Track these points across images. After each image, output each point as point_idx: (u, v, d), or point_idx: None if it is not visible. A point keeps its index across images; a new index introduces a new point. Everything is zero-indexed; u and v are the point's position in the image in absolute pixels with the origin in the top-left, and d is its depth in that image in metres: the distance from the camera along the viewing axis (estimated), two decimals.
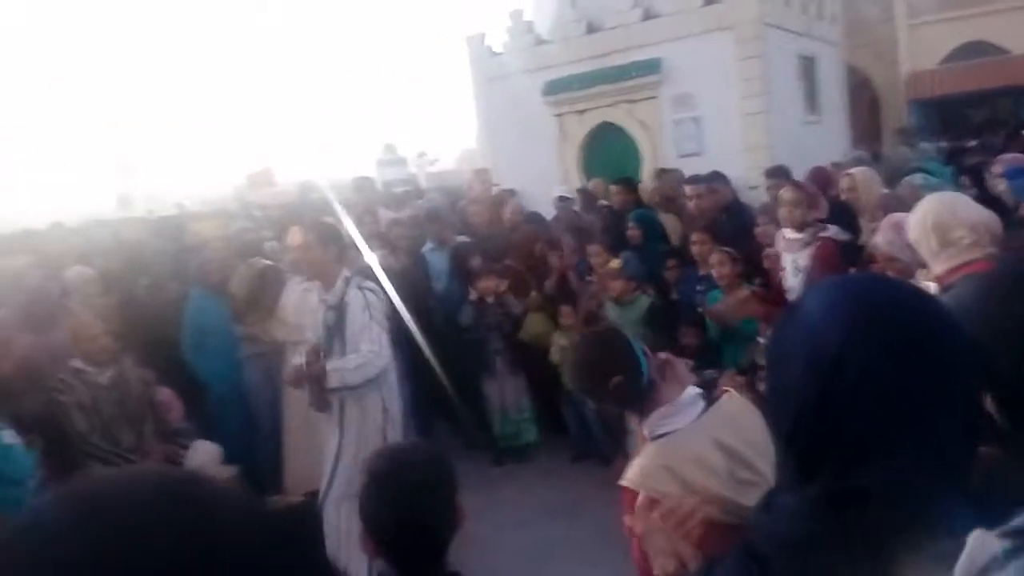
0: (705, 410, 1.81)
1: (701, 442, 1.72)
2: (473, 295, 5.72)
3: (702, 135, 10.95)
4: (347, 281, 3.98)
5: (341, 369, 3.84)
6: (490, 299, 5.62)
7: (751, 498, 1.41)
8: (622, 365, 1.86)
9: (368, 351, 3.84)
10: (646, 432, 1.85)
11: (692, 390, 1.84)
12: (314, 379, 3.87)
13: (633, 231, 5.55)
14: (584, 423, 5.67)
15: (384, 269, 5.55)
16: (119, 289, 5.54)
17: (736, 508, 1.58)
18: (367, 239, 5.97)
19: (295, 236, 4.25)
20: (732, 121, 10.76)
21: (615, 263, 4.99)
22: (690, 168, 8.23)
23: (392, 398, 4.11)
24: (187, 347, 5.14)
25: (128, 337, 4.63)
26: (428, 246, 6.44)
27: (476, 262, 6.02)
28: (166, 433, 4.42)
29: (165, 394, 4.48)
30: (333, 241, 4.05)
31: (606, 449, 5.53)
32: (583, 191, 8.30)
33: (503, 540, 4.51)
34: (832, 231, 4.59)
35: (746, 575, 1.09)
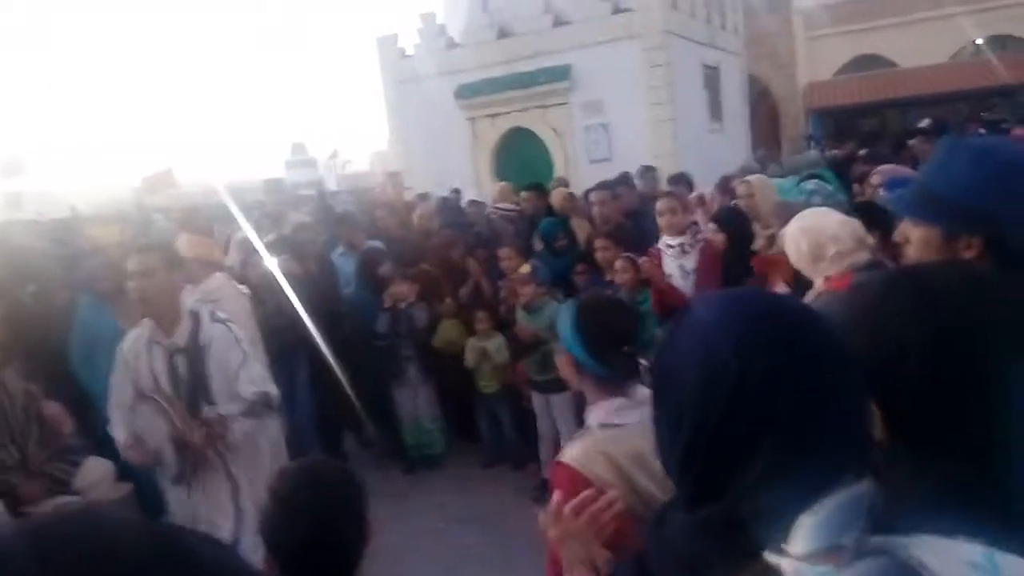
0: None
1: (645, 442, 1.70)
2: (387, 302, 5.64)
3: (611, 141, 11.18)
4: (195, 316, 3.30)
5: (240, 421, 3.20)
6: (402, 305, 5.56)
7: None
8: (636, 337, 1.80)
9: (256, 392, 3.27)
10: (592, 419, 1.81)
11: (645, 391, 1.80)
12: (212, 443, 3.18)
13: (562, 241, 5.65)
14: (498, 428, 5.68)
15: (287, 275, 5.41)
16: (3, 296, 5.20)
17: None
18: (272, 244, 5.82)
19: (136, 262, 3.27)
20: (640, 128, 11.03)
21: (524, 268, 5.02)
22: (602, 174, 8.39)
23: (270, 429, 3.63)
24: (76, 358, 4.86)
25: (12, 348, 4.36)
26: (337, 250, 6.33)
27: (386, 268, 5.94)
28: (55, 450, 4.17)
29: (53, 408, 4.23)
30: (178, 268, 3.36)
31: (518, 454, 5.55)
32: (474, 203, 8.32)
33: (415, 549, 4.46)
34: (709, 229, 4.81)
35: None
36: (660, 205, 4.77)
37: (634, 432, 1.71)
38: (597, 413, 1.79)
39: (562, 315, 1.88)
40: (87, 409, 4.62)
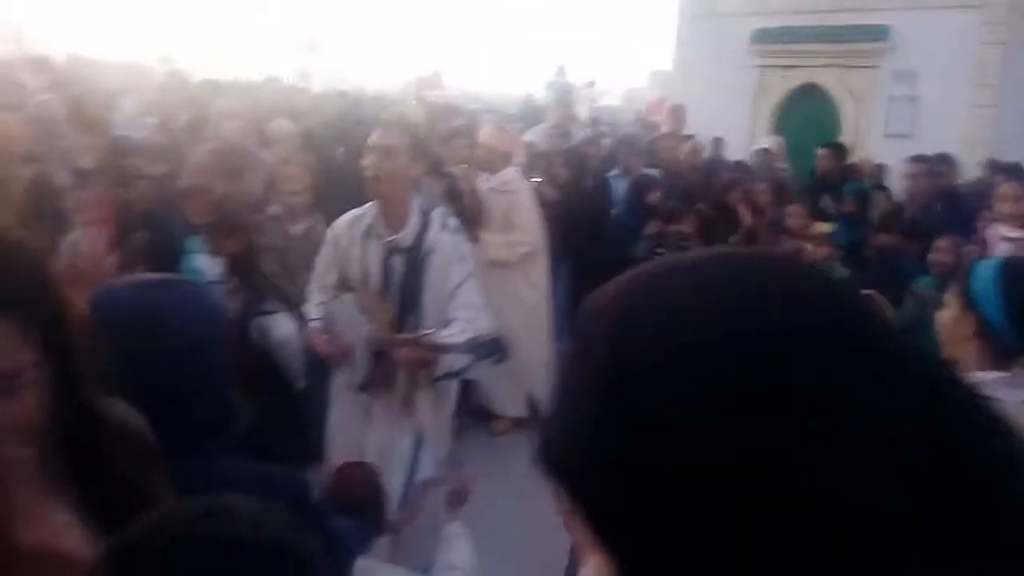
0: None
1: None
2: (652, 229, 5.55)
3: (918, 117, 10.08)
4: (425, 216, 2.92)
5: (454, 348, 2.72)
6: (671, 238, 5.45)
7: None
8: None
9: (470, 319, 2.83)
10: None
11: None
12: (417, 365, 2.81)
13: (849, 203, 5.25)
14: None
15: (564, 185, 5.48)
16: (317, 152, 5.73)
17: None
18: (558, 154, 5.92)
19: (379, 136, 2.92)
20: (956, 108, 9.83)
21: (824, 227, 4.70)
22: (898, 150, 7.65)
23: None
24: None
25: (325, 197, 4.80)
26: (614, 172, 6.31)
27: (655, 196, 5.85)
28: None
29: None
30: (421, 158, 3.02)
31: None
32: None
33: None
34: None
35: None
36: (1005, 190, 4.25)
37: (1012, 411, 1.48)
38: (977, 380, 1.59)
39: (980, 272, 1.70)
40: None
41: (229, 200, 4.77)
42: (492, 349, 2.72)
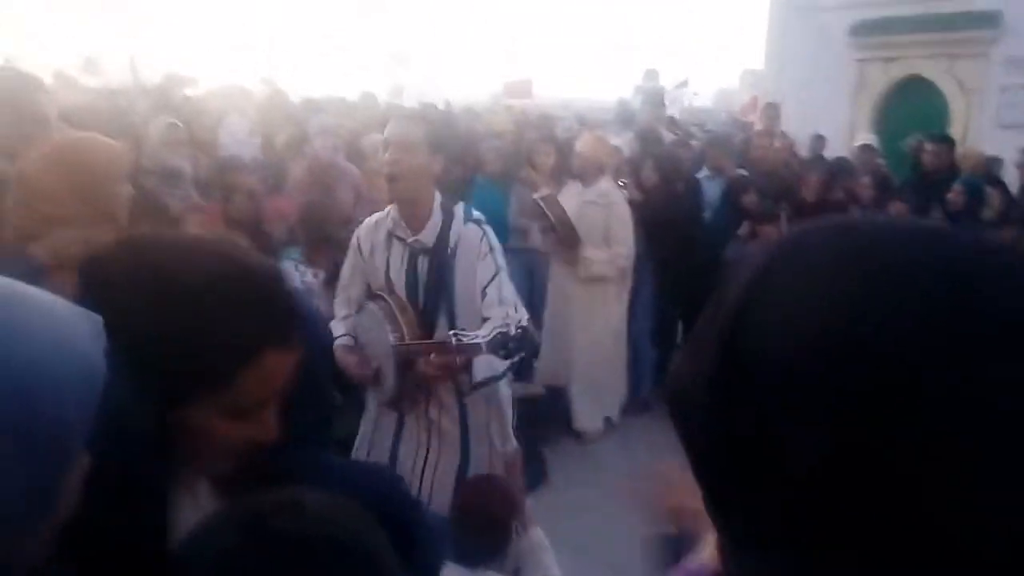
0: None
1: None
2: (744, 230, 5.43)
3: None
4: (447, 212, 2.67)
5: (474, 349, 2.40)
6: (763, 240, 5.31)
7: None
8: None
9: (508, 316, 2.54)
10: None
11: None
12: (443, 373, 2.56)
13: (957, 197, 4.96)
14: None
15: (652, 189, 5.40)
16: None
17: None
18: (646, 158, 5.84)
19: (395, 130, 2.64)
20: None
21: None
22: (1012, 141, 7.22)
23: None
24: None
25: None
26: (703, 173, 6.18)
27: (751, 198, 5.69)
28: None
29: None
30: (439, 153, 2.72)
31: None
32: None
33: None
34: None
35: None
36: None
37: None
38: None
39: None
40: None
41: (321, 213, 4.97)
42: (520, 344, 2.35)
